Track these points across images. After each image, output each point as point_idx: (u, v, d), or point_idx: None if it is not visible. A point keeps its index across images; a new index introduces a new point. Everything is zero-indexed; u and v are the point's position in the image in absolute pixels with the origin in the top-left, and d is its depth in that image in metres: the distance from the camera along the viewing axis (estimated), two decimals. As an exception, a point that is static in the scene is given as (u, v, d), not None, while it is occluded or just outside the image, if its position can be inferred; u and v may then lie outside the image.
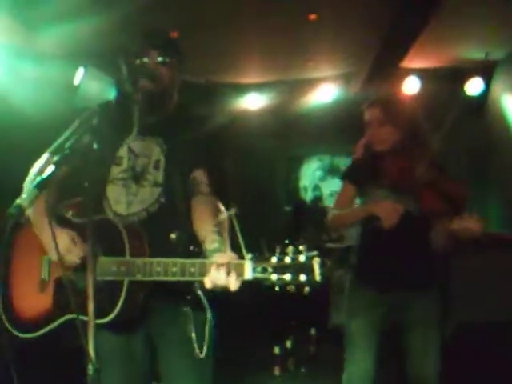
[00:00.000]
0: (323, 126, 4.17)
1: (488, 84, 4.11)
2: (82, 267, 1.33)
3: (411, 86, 4.03)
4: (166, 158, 1.46)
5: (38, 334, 1.40)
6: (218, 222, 1.28)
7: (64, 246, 1.35)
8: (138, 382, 1.45)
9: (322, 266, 1.15)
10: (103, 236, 1.31)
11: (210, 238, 1.29)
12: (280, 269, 1.15)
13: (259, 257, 1.19)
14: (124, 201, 1.44)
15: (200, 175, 1.44)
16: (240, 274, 1.18)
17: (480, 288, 3.05)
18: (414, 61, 3.84)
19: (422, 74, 4.01)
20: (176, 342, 1.41)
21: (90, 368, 1.13)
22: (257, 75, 4.13)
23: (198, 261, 1.23)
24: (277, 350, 3.32)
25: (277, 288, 1.17)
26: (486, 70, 4.07)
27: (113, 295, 1.29)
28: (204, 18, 3.09)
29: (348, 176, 2.04)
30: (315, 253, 1.16)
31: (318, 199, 5.15)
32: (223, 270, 1.18)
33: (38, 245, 1.41)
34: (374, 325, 1.91)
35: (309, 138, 4.50)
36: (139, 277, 1.28)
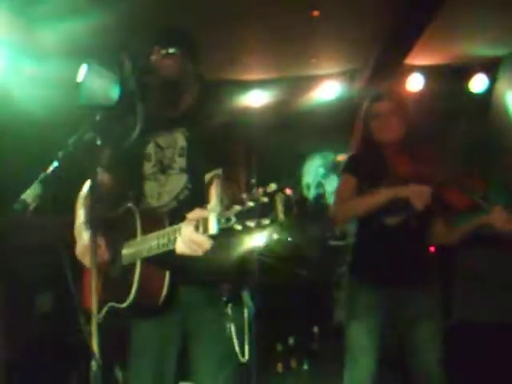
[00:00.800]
0: (326, 123, 4.15)
1: (492, 81, 4.09)
2: (111, 256, 1.37)
3: (415, 83, 4.01)
4: (188, 144, 1.47)
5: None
6: (209, 184, 1.21)
7: (81, 248, 1.42)
8: (167, 378, 1.46)
9: (285, 202, 0.98)
10: (125, 224, 1.34)
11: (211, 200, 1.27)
12: (243, 215, 1.00)
13: (225, 207, 1.04)
14: (155, 194, 1.48)
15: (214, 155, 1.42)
16: (205, 228, 1.10)
17: (481, 288, 3.04)
18: (418, 58, 3.82)
19: (426, 70, 3.99)
20: (212, 341, 1.41)
21: (94, 365, 1.14)
22: (259, 72, 4.12)
23: (177, 226, 1.20)
24: (279, 347, 3.33)
25: (246, 238, 1.06)
26: (491, 67, 4.04)
27: (131, 279, 1.30)
28: (205, 14, 3.08)
29: (349, 169, 2.04)
30: (277, 188, 0.98)
31: (320, 196, 5.15)
32: (191, 227, 1.13)
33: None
34: (375, 324, 1.91)
35: (312, 135, 4.49)
36: (144, 254, 1.28)
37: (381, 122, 1.97)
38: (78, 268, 1.49)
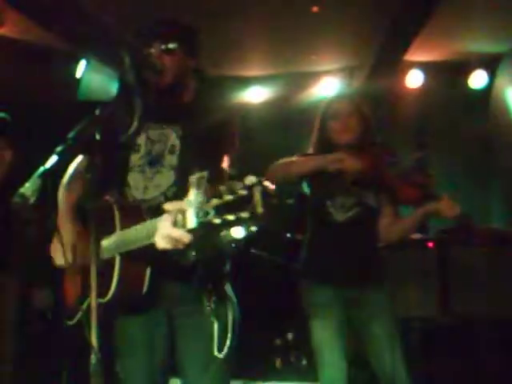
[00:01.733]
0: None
1: (492, 77, 4.08)
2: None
3: (414, 80, 4.01)
4: (180, 142, 1.47)
5: (75, 320, 1.43)
6: (193, 182, 1.16)
7: (54, 247, 1.42)
8: (158, 375, 1.45)
9: (264, 194, 0.91)
10: (103, 218, 1.33)
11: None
12: (221, 209, 0.93)
13: (203, 202, 0.97)
14: (141, 186, 1.46)
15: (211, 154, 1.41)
16: (184, 223, 1.04)
17: (479, 283, 3.05)
18: (418, 54, 3.82)
19: (426, 67, 3.99)
20: (197, 337, 1.40)
21: (93, 358, 1.14)
22: (259, 68, 4.11)
23: (154, 220, 1.16)
24: (278, 342, 3.34)
25: (222, 233, 0.96)
26: (490, 63, 4.04)
27: (111, 273, 1.29)
28: (206, 10, 3.08)
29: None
30: (255, 181, 0.92)
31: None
32: (168, 221, 1.08)
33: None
34: (333, 322, 1.90)
35: (311, 132, 4.49)
36: (123, 248, 1.26)
37: (339, 124, 1.97)
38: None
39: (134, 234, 1.23)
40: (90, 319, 1.15)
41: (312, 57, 3.89)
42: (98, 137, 1.21)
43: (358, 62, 4.01)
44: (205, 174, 1.02)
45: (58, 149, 1.16)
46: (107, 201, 1.41)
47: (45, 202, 1.15)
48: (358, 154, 1.91)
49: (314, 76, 4.17)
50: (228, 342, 1.36)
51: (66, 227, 1.42)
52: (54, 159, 1.13)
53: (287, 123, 4.21)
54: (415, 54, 3.81)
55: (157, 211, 1.37)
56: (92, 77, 3.08)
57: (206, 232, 1.01)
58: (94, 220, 1.17)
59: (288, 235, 3.29)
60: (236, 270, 1.52)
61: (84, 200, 1.45)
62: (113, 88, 3.25)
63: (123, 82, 1.51)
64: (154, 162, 1.47)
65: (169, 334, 1.45)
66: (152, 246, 1.16)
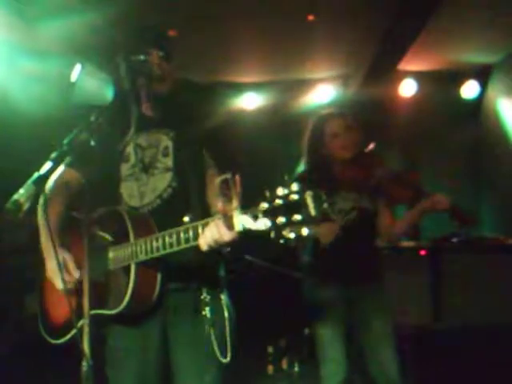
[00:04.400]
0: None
1: (484, 87, 4.14)
2: (94, 261, 1.34)
3: (408, 89, 4.05)
4: (174, 143, 1.46)
5: (65, 338, 1.41)
6: (218, 185, 1.20)
7: (51, 269, 1.39)
8: (151, 381, 1.43)
9: (316, 198, 1.00)
10: (111, 226, 1.32)
11: (216, 202, 1.24)
12: (271, 212, 1.00)
13: (248, 206, 1.04)
14: (137, 193, 1.45)
15: (205, 153, 1.44)
16: (230, 226, 1.10)
17: (471, 291, 3.07)
18: (411, 63, 3.86)
19: (419, 76, 4.03)
20: (192, 344, 1.38)
21: (85, 365, 1.13)
22: (254, 75, 4.13)
23: (190, 225, 1.20)
24: (270, 349, 3.33)
25: (272, 235, 1.01)
26: (482, 74, 4.09)
27: (123, 283, 1.28)
28: (201, 17, 3.09)
29: (298, 179, 2.09)
30: (306, 187, 1.00)
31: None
32: (213, 227, 1.14)
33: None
34: (339, 320, 1.99)
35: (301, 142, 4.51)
36: (142, 256, 1.26)
37: (339, 141, 2.02)
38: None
39: (167, 239, 1.22)
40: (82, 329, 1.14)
41: (307, 64, 3.92)
42: (92, 143, 1.21)
43: (352, 70, 4.04)
44: (228, 175, 1.06)
45: (53, 155, 1.15)
46: (115, 209, 1.39)
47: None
48: (355, 165, 1.99)
49: (309, 83, 4.19)
50: (229, 349, 1.36)
51: (53, 250, 1.35)
52: (48, 165, 1.13)
53: (281, 130, 4.22)
54: (409, 64, 3.85)
55: (156, 215, 1.37)
56: (86, 81, 3.08)
57: (253, 234, 1.05)
58: (86, 231, 1.16)
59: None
60: (229, 276, 1.52)
61: (75, 210, 1.44)
62: (107, 93, 3.25)
63: (118, 88, 1.51)
64: (148, 166, 1.46)
65: (162, 345, 1.42)
66: (181, 251, 1.19)
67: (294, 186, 1.00)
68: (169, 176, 1.44)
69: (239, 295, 1.59)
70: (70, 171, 1.46)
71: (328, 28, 3.29)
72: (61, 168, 1.39)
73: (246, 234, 1.08)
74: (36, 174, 1.10)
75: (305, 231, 0.99)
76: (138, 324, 1.40)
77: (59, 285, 1.39)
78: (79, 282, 1.36)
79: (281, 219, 0.99)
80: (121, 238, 1.32)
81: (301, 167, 2.16)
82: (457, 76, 4.11)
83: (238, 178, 1.34)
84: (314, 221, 0.98)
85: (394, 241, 2.20)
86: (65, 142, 1.18)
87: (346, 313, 2.01)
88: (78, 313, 1.32)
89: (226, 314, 1.39)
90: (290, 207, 0.99)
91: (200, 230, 1.17)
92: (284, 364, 3.26)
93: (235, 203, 1.07)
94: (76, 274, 1.38)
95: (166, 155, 1.46)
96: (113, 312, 1.28)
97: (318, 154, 2.08)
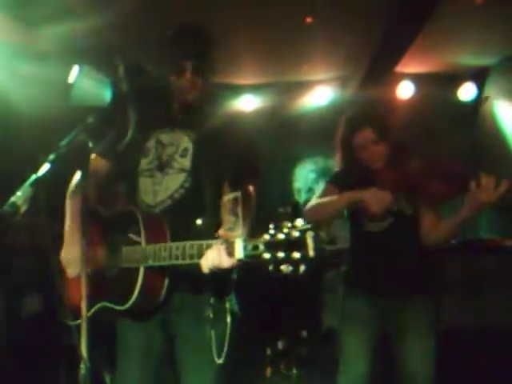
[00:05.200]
0: (318, 128, 4.18)
1: (480, 89, 4.15)
2: (110, 256, 1.37)
3: (405, 91, 4.06)
4: (194, 145, 1.46)
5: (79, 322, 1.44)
6: (228, 201, 1.23)
7: (67, 257, 1.42)
8: (154, 378, 1.46)
9: (315, 239, 1.04)
10: (125, 226, 1.36)
11: (226, 219, 1.29)
12: (272, 246, 1.04)
13: (252, 235, 1.10)
14: (151, 191, 1.46)
15: (226, 171, 1.44)
16: (231, 252, 1.14)
17: (469, 292, 3.08)
18: (409, 65, 3.88)
19: (416, 78, 4.05)
20: (195, 345, 1.40)
21: (82, 367, 1.13)
22: (252, 76, 4.13)
23: (196, 243, 1.23)
24: (268, 351, 3.33)
25: (270, 267, 1.04)
26: (479, 76, 4.11)
27: (132, 283, 1.31)
28: (198, 19, 3.09)
29: (333, 181, 2.04)
30: (308, 226, 1.04)
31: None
32: (215, 251, 1.17)
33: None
34: (367, 332, 1.89)
35: (303, 141, 4.51)
36: (150, 262, 1.29)
37: (367, 153, 1.93)
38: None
39: (173, 251, 1.25)
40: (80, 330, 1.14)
41: (304, 66, 3.92)
42: (90, 145, 1.21)
43: (350, 72, 4.05)
44: (238, 194, 1.10)
45: (51, 157, 1.15)
46: (131, 209, 1.41)
47: (36, 211, 1.14)
48: (391, 174, 1.86)
49: (307, 85, 4.20)
50: (226, 349, 1.37)
51: (75, 237, 1.41)
52: (46, 167, 1.13)
53: (279, 132, 4.23)
54: (407, 66, 3.86)
55: (167, 215, 1.38)
56: (84, 83, 3.07)
57: (252, 264, 1.10)
58: (109, 227, 1.18)
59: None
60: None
61: (97, 203, 1.46)
62: (105, 95, 3.24)
63: (116, 90, 1.51)
64: (164, 165, 1.46)
65: (166, 343, 1.45)
66: (192, 265, 1.22)
67: (298, 222, 1.04)
68: (182, 177, 1.44)
69: (238, 297, 1.59)
70: (100, 160, 1.49)
71: (326, 30, 3.30)
72: (92, 156, 1.40)
73: (245, 262, 1.12)
74: (33, 176, 1.10)
75: (302, 268, 1.03)
76: (144, 321, 1.43)
77: (69, 272, 1.42)
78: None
79: (280, 254, 1.03)
80: (134, 239, 1.35)
81: (335, 166, 2.08)
82: (454, 78, 4.12)
83: (252, 191, 1.36)
84: (310, 261, 1.02)
85: (437, 244, 1.90)
86: (62, 143, 1.18)
87: (377, 327, 1.88)
88: (94, 294, 1.34)
89: (229, 319, 1.40)
90: (290, 243, 1.03)
91: (204, 249, 1.20)
92: (282, 366, 3.26)
93: (239, 229, 1.12)
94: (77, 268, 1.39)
95: (183, 156, 1.46)
96: (121, 308, 1.32)
97: (349, 158, 1.99)
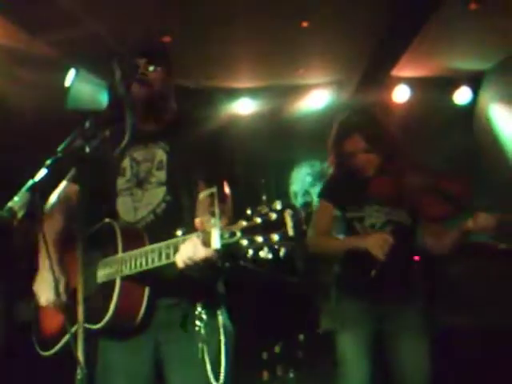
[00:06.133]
0: (314, 132, 4.19)
1: (476, 93, 4.18)
2: (86, 275, 1.32)
3: (401, 95, 4.08)
4: (168, 157, 1.45)
5: (55, 349, 1.41)
6: (203, 199, 1.17)
7: (39, 285, 1.39)
8: None
9: (294, 217, 0.97)
10: (102, 240, 1.32)
11: (202, 219, 1.23)
12: (249, 231, 0.98)
13: (228, 223, 1.03)
14: (131, 209, 1.43)
15: (200, 165, 1.41)
16: (206, 243, 1.08)
17: (466, 295, 3.09)
18: (405, 70, 3.89)
19: (412, 82, 4.07)
20: (185, 363, 1.34)
21: (79, 373, 1.13)
22: (249, 80, 4.14)
23: (171, 241, 1.19)
24: (265, 355, 3.32)
25: (249, 253, 0.98)
26: (474, 80, 4.14)
27: (107, 298, 1.27)
28: (196, 23, 3.09)
29: (325, 195, 2.03)
30: (286, 205, 0.98)
31: (307, 205, 5.18)
32: (189, 243, 1.12)
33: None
34: (363, 336, 1.89)
35: (300, 144, 4.52)
36: (126, 271, 1.25)
37: (357, 161, 1.92)
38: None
39: (143, 257, 1.21)
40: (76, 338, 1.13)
41: (301, 70, 3.93)
42: (87, 150, 1.21)
43: (347, 76, 4.06)
44: (214, 189, 1.05)
45: (48, 162, 1.15)
46: (107, 222, 1.39)
47: (32, 216, 1.13)
48: (383, 177, 1.87)
49: (303, 89, 4.21)
50: (223, 370, 1.30)
51: (46, 264, 1.38)
52: (43, 172, 1.12)
53: (276, 135, 4.24)
54: (402, 70, 3.88)
55: (151, 230, 1.36)
56: (80, 86, 3.07)
57: (231, 252, 1.03)
58: (82, 246, 1.16)
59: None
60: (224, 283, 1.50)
61: (73, 224, 1.43)
62: (102, 98, 3.24)
63: (113, 94, 1.50)
64: (142, 181, 1.44)
65: (153, 361, 1.39)
66: (170, 265, 1.16)
67: (277, 204, 0.98)
68: (162, 190, 1.42)
69: (233, 301, 1.58)
70: (73, 186, 1.46)
71: (322, 34, 3.31)
72: (63, 183, 1.39)
73: (223, 252, 1.06)
74: (30, 181, 1.10)
75: (282, 252, 0.97)
76: (128, 340, 1.37)
77: (42, 301, 1.39)
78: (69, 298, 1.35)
79: (258, 238, 0.97)
80: (110, 252, 1.31)
81: (327, 171, 2.08)
82: (449, 82, 4.14)
83: (228, 191, 1.32)
84: (291, 241, 0.96)
85: (442, 254, 1.95)
86: (59, 148, 1.18)
87: (374, 331, 1.89)
88: (64, 328, 1.33)
89: (222, 337, 1.33)
90: (268, 226, 0.97)
91: (180, 246, 1.16)
92: (279, 370, 3.26)
93: (215, 220, 1.04)
94: (63, 298, 1.36)
95: (159, 169, 1.45)
96: (96, 326, 1.25)
97: (342, 166, 1.98)
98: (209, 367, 1.28)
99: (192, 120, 1.52)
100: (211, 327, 1.33)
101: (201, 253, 1.10)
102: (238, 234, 0.99)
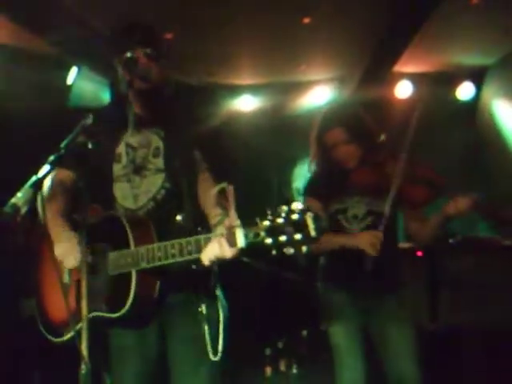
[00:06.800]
0: (316, 128, 4.19)
1: (479, 89, 4.16)
2: (94, 265, 1.35)
3: (403, 90, 4.07)
4: (164, 143, 1.46)
5: (68, 336, 1.42)
6: (215, 194, 1.25)
7: (63, 249, 1.38)
8: (150, 381, 1.45)
9: (315, 220, 1.06)
10: (110, 232, 1.34)
11: (214, 213, 1.30)
12: (273, 231, 1.07)
13: (250, 222, 1.11)
14: (130, 195, 1.45)
15: (197, 154, 1.44)
16: (233, 243, 1.15)
17: (468, 291, 3.09)
18: (407, 65, 3.88)
19: (415, 78, 4.05)
20: (188, 341, 1.40)
21: (83, 368, 1.14)
22: (250, 77, 4.14)
23: (192, 238, 1.23)
24: (268, 350, 3.33)
25: (274, 252, 1.08)
26: (477, 75, 4.12)
27: (124, 289, 1.30)
28: (197, 19, 3.09)
29: (309, 193, 2.06)
30: (307, 208, 1.07)
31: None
32: (216, 243, 1.18)
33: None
34: (352, 326, 1.93)
35: (302, 141, 4.51)
36: (144, 264, 1.28)
37: (338, 153, 1.95)
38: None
39: (169, 250, 1.24)
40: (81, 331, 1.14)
41: (302, 66, 3.93)
42: (90, 146, 1.22)
43: (349, 72, 4.05)
44: (225, 185, 1.11)
45: (50, 158, 1.16)
46: (113, 214, 1.40)
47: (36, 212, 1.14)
48: (364, 168, 1.91)
49: (305, 85, 4.20)
50: (221, 345, 1.36)
51: (63, 235, 1.40)
52: (46, 168, 1.13)
53: (278, 132, 4.23)
54: (405, 65, 3.87)
55: (152, 217, 1.38)
56: (83, 84, 3.08)
57: (254, 250, 1.11)
58: (84, 232, 1.17)
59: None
60: (226, 278, 1.52)
61: (73, 211, 1.44)
62: (104, 95, 3.25)
63: (116, 91, 1.51)
64: (139, 168, 1.45)
65: (161, 343, 1.44)
66: (193, 260, 1.23)
67: (296, 205, 1.06)
68: (160, 177, 1.43)
69: (237, 297, 1.59)
70: (64, 171, 1.47)
71: (324, 30, 3.31)
72: (55, 169, 1.40)
73: (248, 250, 1.13)
74: (33, 178, 1.11)
75: (304, 249, 1.05)
76: (138, 324, 1.42)
77: (69, 263, 1.37)
78: (78, 285, 1.36)
79: (282, 238, 1.06)
80: (120, 244, 1.33)
81: (310, 168, 2.10)
82: (452, 77, 4.12)
83: (231, 187, 1.35)
84: (313, 241, 1.05)
85: (424, 243, 2.06)
86: (62, 145, 1.18)
87: (362, 321, 1.93)
88: (77, 312, 1.32)
89: (221, 314, 1.40)
90: (290, 226, 1.06)
91: (202, 244, 1.20)
92: (282, 366, 3.26)
93: (236, 219, 1.12)
94: (88, 257, 1.35)
95: (156, 156, 1.46)
96: (115, 316, 1.30)
97: (324, 159, 2.01)
98: (208, 344, 1.35)
99: (194, 116, 1.52)
100: (211, 306, 1.39)
101: (227, 252, 1.17)
102: (262, 234, 1.08)
